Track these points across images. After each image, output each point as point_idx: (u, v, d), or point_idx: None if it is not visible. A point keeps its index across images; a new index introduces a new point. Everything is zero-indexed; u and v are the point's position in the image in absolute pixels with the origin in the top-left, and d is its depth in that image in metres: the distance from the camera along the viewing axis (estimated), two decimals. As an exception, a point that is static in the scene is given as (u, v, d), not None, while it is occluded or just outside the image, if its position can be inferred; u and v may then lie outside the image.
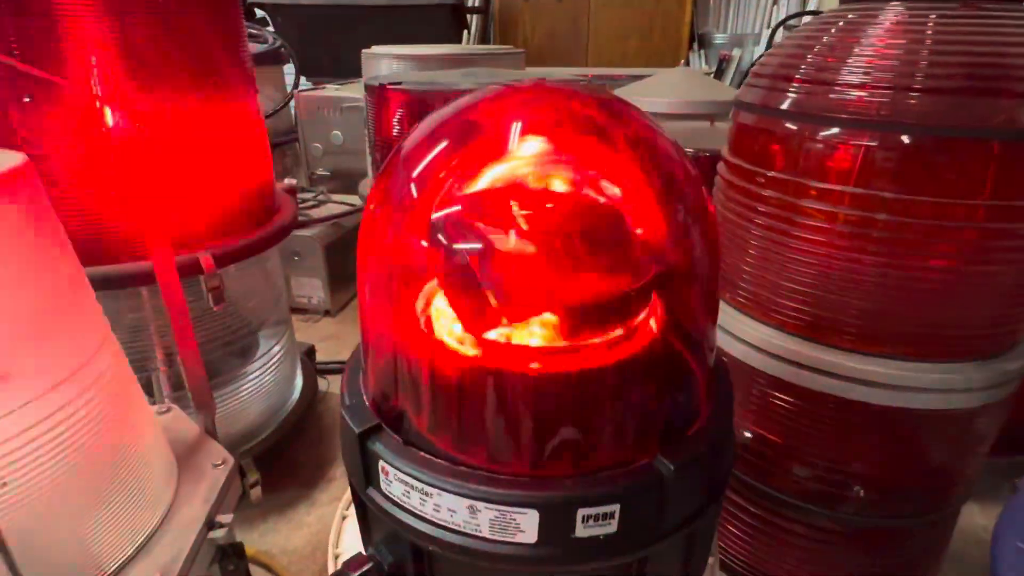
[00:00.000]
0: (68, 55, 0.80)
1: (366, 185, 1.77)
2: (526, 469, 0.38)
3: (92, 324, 0.60)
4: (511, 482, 0.37)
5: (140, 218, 0.70)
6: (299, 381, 1.35)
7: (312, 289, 1.87)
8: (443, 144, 0.42)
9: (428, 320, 0.41)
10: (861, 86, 0.65)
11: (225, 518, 0.69)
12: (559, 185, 0.40)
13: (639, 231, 0.41)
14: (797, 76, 0.70)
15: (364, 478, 0.42)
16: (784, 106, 0.71)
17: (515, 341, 0.38)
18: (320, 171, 2.29)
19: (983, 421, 0.72)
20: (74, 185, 0.85)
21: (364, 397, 0.45)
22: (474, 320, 0.38)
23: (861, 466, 0.75)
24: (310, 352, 1.51)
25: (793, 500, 0.80)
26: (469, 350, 0.38)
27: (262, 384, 1.17)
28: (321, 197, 2.05)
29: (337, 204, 2.01)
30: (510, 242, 0.38)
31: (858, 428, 0.73)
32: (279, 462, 1.25)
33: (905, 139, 0.62)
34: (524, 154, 0.40)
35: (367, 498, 0.42)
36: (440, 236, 0.39)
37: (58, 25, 0.78)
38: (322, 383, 1.49)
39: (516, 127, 0.40)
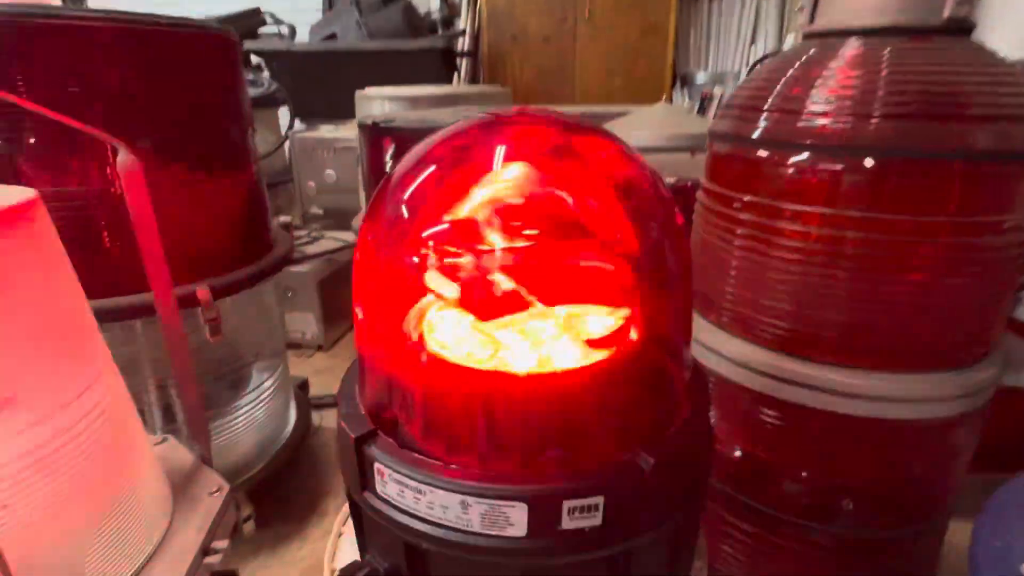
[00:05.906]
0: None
1: (359, 220, 1.80)
2: (516, 469, 0.40)
3: (93, 353, 0.62)
4: (501, 477, 0.39)
5: (144, 253, 0.72)
6: (292, 415, 1.36)
7: (306, 324, 1.89)
8: (433, 168, 0.45)
9: (420, 335, 0.44)
10: (825, 114, 0.69)
11: (220, 544, 0.69)
12: (542, 204, 0.43)
13: (616, 246, 0.44)
14: (766, 106, 0.75)
15: (360, 482, 0.43)
16: (755, 135, 0.75)
17: (503, 353, 0.40)
18: (314, 209, 2.34)
19: (961, 430, 0.74)
20: (77, 219, 0.88)
21: (360, 407, 0.47)
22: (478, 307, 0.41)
23: (848, 478, 0.77)
24: (303, 385, 1.52)
25: (785, 516, 0.81)
26: (460, 360, 0.41)
27: (256, 416, 1.18)
28: (315, 234, 2.08)
29: (330, 241, 2.05)
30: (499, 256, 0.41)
31: (842, 440, 0.75)
32: (272, 496, 1.24)
33: (868, 162, 0.66)
34: (508, 178, 0.43)
35: (362, 501, 0.43)
36: (435, 252, 0.42)
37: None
38: (316, 417, 1.49)
39: (500, 151, 0.43)
